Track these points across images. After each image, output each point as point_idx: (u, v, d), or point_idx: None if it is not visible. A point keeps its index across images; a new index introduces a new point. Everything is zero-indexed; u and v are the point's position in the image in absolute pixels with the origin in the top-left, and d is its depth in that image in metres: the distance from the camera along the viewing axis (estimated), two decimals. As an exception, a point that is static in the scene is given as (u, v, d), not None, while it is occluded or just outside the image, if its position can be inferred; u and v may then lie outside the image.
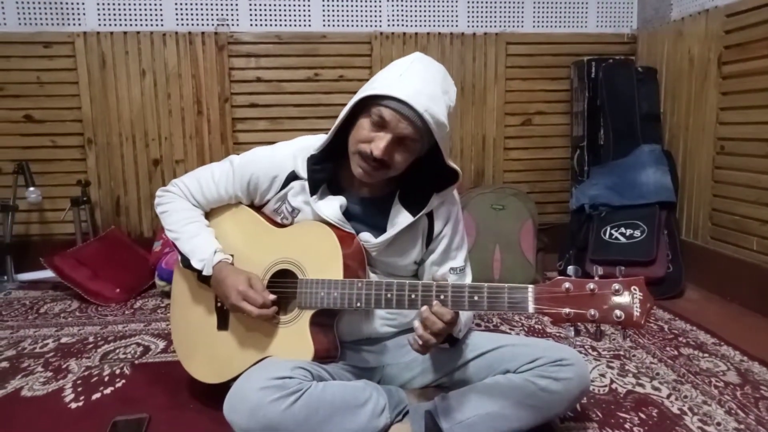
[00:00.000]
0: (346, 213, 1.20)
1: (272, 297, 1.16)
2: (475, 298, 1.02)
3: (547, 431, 1.20)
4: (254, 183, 1.25)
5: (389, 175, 1.14)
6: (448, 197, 1.24)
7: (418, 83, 1.06)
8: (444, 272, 1.24)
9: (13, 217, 2.38)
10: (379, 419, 1.12)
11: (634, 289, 0.93)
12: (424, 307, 1.04)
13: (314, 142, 1.21)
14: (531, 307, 0.97)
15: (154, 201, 1.37)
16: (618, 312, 0.92)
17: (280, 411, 1.02)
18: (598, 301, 0.93)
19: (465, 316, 1.19)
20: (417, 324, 1.05)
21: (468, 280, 1.28)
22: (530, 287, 0.98)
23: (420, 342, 1.05)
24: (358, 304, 1.11)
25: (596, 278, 0.95)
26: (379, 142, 1.06)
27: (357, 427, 1.08)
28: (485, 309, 1.03)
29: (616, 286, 0.93)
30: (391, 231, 1.18)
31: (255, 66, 2.58)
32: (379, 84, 1.08)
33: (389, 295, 1.08)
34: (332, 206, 1.18)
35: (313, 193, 1.18)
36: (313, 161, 1.19)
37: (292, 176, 1.21)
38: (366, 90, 1.09)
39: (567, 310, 0.95)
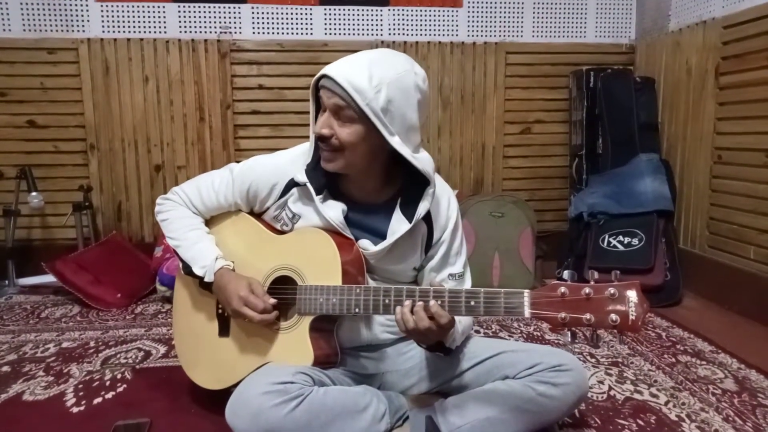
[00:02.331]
0: (347, 218, 1.21)
1: (273, 301, 1.17)
2: (472, 303, 1.03)
3: (546, 437, 1.21)
4: (254, 191, 1.26)
5: (349, 159, 1.13)
6: (446, 202, 1.25)
7: (346, 59, 1.11)
8: (443, 278, 1.25)
9: (15, 221, 2.38)
10: (379, 425, 1.12)
11: (630, 293, 0.93)
12: (419, 305, 1.04)
13: (309, 144, 1.23)
14: (527, 312, 0.98)
15: (154, 208, 1.38)
16: (614, 316, 0.93)
17: (282, 416, 1.03)
18: (594, 306, 0.94)
19: (462, 325, 1.20)
20: (407, 302, 1.05)
21: (467, 286, 1.29)
22: (526, 292, 0.99)
23: (399, 316, 1.05)
24: (357, 310, 1.12)
25: (592, 283, 0.96)
26: (319, 121, 1.12)
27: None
28: (482, 314, 1.03)
29: (612, 290, 0.94)
30: (390, 239, 1.19)
31: (257, 73, 2.61)
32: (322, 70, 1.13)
33: (387, 301, 1.09)
34: (335, 210, 1.20)
35: (318, 194, 1.19)
36: (311, 167, 1.20)
37: (292, 183, 1.23)
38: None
39: (563, 314, 0.95)
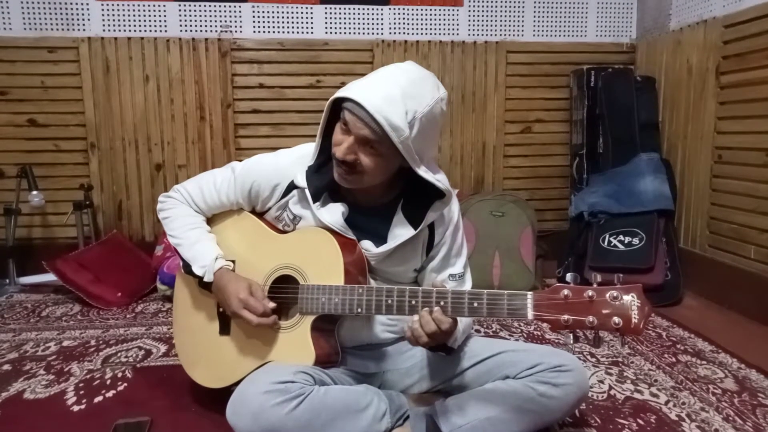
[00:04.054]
0: (348, 220, 1.20)
1: (272, 305, 1.17)
2: (475, 304, 1.03)
3: (546, 437, 1.21)
4: (255, 191, 1.26)
5: (367, 182, 1.13)
6: (448, 206, 1.25)
7: (377, 85, 1.06)
8: (443, 279, 1.25)
9: (15, 220, 2.39)
10: (380, 424, 1.12)
11: (632, 296, 0.94)
12: (425, 309, 1.05)
13: (314, 148, 1.23)
14: (530, 314, 0.98)
15: (156, 206, 1.38)
16: (616, 319, 0.93)
17: (283, 415, 1.03)
18: (597, 308, 0.95)
19: (463, 324, 1.20)
20: (415, 317, 1.06)
21: (467, 286, 1.29)
22: (529, 294, 0.99)
23: (410, 333, 1.07)
24: (359, 310, 1.12)
25: (595, 285, 0.96)
26: (342, 145, 1.09)
27: (358, 431, 1.09)
28: (485, 315, 1.04)
29: (615, 293, 0.94)
30: (392, 243, 1.19)
31: (257, 72, 2.60)
32: (345, 88, 1.09)
33: (390, 301, 1.09)
34: (334, 213, 1.19)
35: (315, 200, 1.19)
36: (312, 170, 1.20)
37: (293, 185, 1.22)
38: (335, 94, 1.11)
39: (566, 317, 0.96)
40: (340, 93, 1.08)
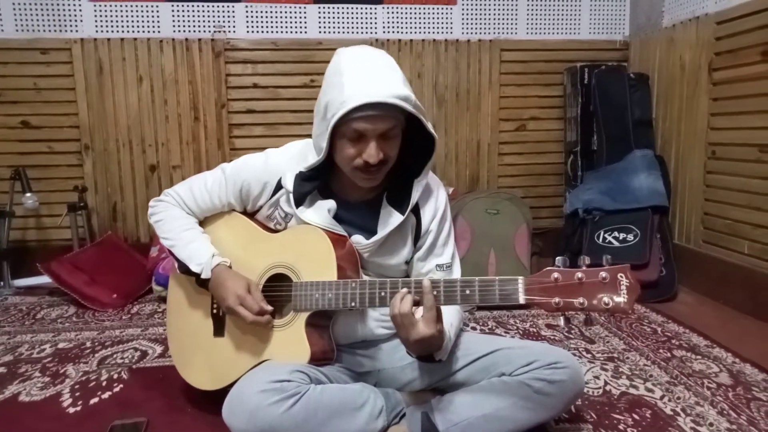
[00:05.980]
0: (336, 217, 1.21)
1: (270, 308, 1.18)
2: (467, 291, 1.03)
3: (542, 433, 1.22)
4: (246, 190, 1.27)
5: (387, 170, 1.17)
6: (434, 192, 1.26)
7: (366, 78, 1.07)
8: (430, 268, 1.25)
9: (9, 222, 2.38)
10: (376, 422, 1.12)
11: (621, 276, 0.95)
12: (399, 294, 1.05)
13: (303, 147, 1.23)
14: (522, 298, 0.99)
15: (148, 210, 1.38)
16: (606, 299, 0.94)
17: (279, 414, 1.03)
18: (587, 290, 0.96)
19: (454, 328, 1.20)
20: (405, 290, 1.06)
21: (456, 277, 1.29)
22: (520, 278, 1.00)
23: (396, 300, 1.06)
24: (353, 304, 1.12)
25: (584, 267, 0.97)
26: (369, 150, 1.09)
27: (355, 429, 1.09)
28: (477, 302, 1.04)
29: (603, 274, 0.95)
30: (382, 232, 1.20)
31: (251, 72, 2.60)
32: (332, 106, 1.07)
33: (383, 293, 1.10)
34: (321, 212, 1.20)
35: (298, 205, 1.20)
36: (302, 177, 1.20)
37: (281, 185, 1.23)
38: (329, 120, 1.07)
39: (556, 299, 0.97)
40: (342, 110, 1.05)
